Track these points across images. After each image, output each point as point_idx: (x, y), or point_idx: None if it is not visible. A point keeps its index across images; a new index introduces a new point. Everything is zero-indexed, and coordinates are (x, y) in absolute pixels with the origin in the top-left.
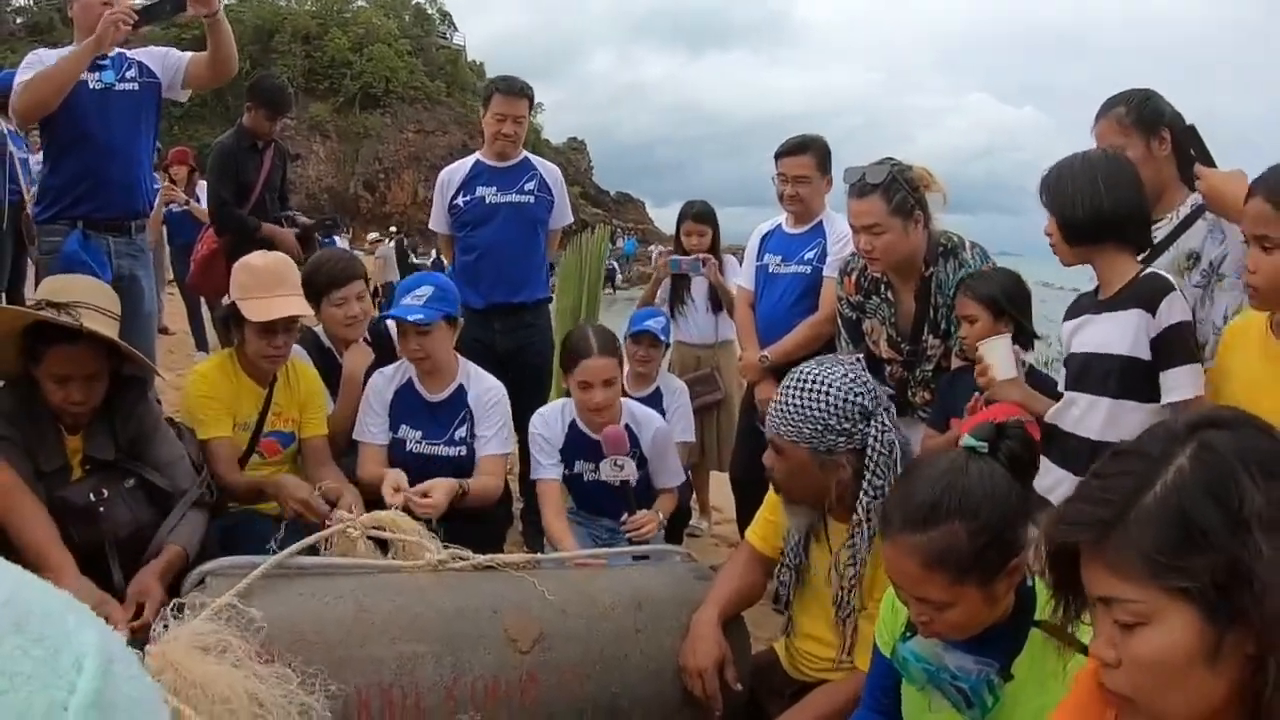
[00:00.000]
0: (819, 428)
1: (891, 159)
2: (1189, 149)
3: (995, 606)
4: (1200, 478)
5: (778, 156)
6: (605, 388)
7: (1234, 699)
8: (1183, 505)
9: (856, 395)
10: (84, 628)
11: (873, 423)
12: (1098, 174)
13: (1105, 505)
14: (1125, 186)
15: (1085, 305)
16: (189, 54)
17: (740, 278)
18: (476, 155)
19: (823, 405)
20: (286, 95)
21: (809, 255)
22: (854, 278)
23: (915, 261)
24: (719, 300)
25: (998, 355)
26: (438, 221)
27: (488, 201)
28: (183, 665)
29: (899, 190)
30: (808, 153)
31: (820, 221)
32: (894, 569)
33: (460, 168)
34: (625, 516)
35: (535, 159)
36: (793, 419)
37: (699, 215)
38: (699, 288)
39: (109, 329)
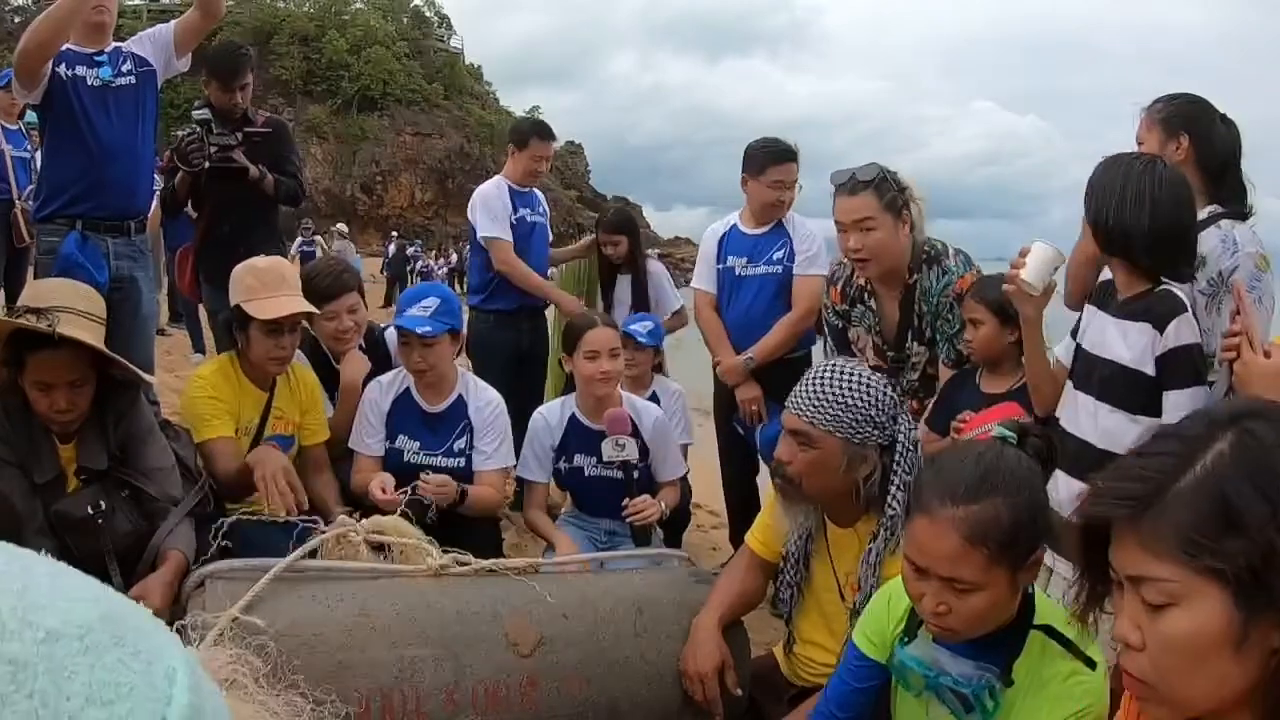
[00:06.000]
0: (859, 418)
1: (876, 164)
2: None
3: (1010, 603)
4: (1241, 462)
5: (767, 163)
6: (611, 357)
7: (1251, 693)
8: (1222, 487)
9: (889, 392)
10: (169, 642)
11: (899, 420)
12: (1145, 193)
13: (1144, 482)
14: (1173, 217)
15: (1105, 296)
16: (173, 22)
17: (698, 280)
18: (506, 182)
19: (865, 397)
20: (234, 57)
21: (778, 255)
22: (839, 287)
23: (900, 267)
24: None
25: (1037, 259)
26: (503, 229)
27: (528, 220)
28: None
29: (889, 189)
30: (795, 160)
31: (780, 221)
32: (928, 547)
33: (501, 191)
34: (626, 500)
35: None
36: (832, 408)
37: (611, 225)
38: None
39: (90, 333)
